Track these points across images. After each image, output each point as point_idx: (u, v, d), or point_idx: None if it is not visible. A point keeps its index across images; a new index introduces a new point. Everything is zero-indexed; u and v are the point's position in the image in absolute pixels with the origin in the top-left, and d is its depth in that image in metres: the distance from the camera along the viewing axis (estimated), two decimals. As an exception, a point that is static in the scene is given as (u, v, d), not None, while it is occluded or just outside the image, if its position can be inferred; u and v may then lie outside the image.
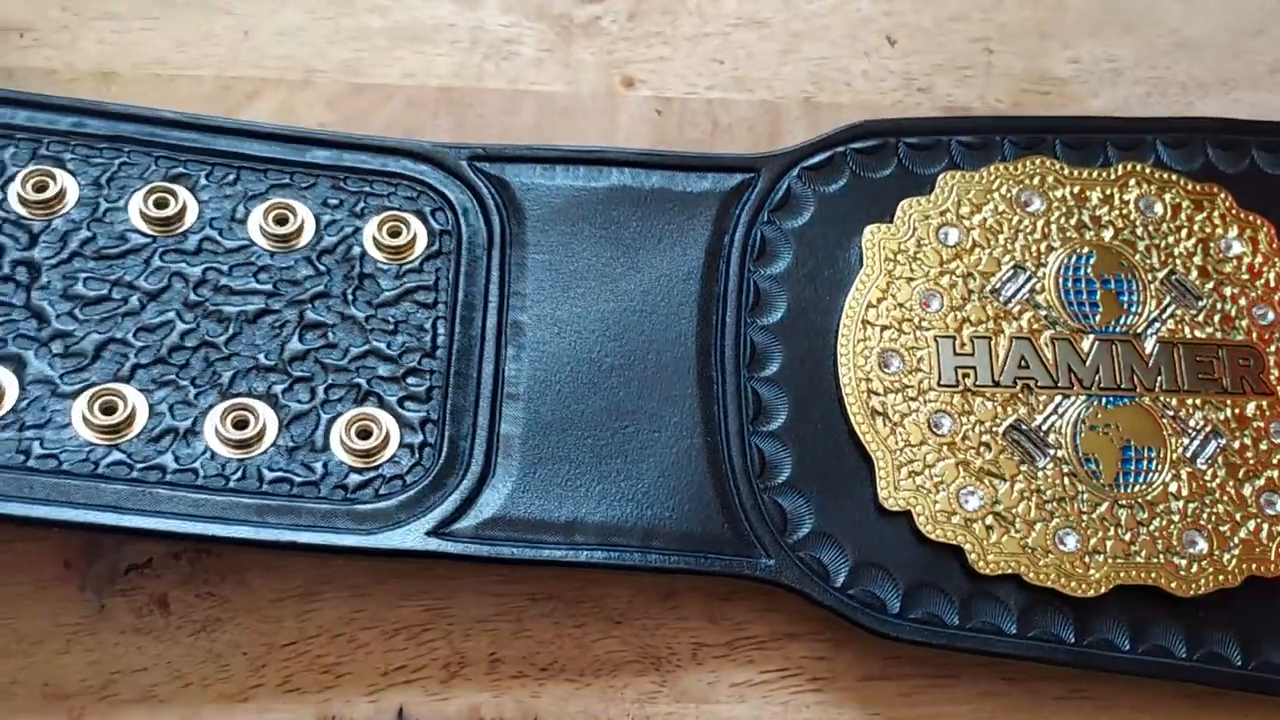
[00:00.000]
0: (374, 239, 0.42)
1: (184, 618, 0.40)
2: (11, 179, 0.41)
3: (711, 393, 0.41)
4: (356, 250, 0.42)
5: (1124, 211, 0.44)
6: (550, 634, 0.40)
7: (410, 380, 0.40)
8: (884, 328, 0.42)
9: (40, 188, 0.40)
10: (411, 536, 0.38)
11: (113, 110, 0.42)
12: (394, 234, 0.42)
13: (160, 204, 0.41)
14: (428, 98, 0.46)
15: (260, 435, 0.39)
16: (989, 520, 0.40)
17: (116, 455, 0.38)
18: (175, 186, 0.41)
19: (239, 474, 0.38)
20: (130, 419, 0.38)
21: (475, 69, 0.47)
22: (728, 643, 0.40)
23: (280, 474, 0.39)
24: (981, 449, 0.41)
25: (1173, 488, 0.41)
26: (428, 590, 0.41)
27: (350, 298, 0.41)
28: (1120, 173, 0.45)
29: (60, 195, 0.40)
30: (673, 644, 0.40)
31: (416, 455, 0.39)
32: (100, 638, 0.39)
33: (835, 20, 0.49)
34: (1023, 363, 0.42)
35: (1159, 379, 0.42)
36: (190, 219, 0.41)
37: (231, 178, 0.42)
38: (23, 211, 0.40)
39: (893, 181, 0.44)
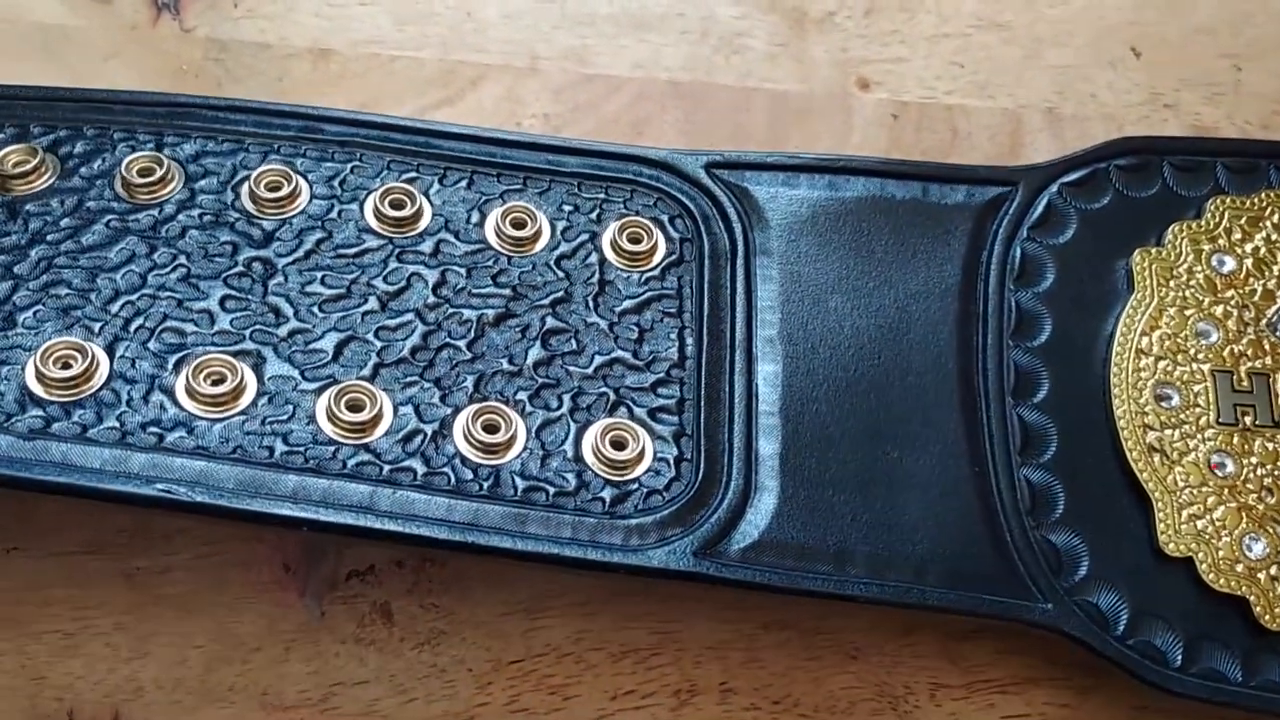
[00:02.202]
0: (613, 244, 0.41)
1: (407, 629, 0.39)
2: (244, 179, 0.40)
3: (975, 419, 0.40)
4: (595, 256, 0.41)
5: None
6: (784, 665, 0.40)
7: (661, 391, 0.40)
8: (1158, 358, 0.41)
9: (273, 187, 0.40)
10: (677, 556, 0.37)
11: (343, 116, 0.42)
12: (634, 240, 0.41)
13: (396, 205, 0.40)
14: (656, 91, 0.46)
15: (511, 441, 0.38)
16: (1274, 570, 0.39)
17: (364, 455, 0.38)
18: (410, 188, 0.41)
19: (491, 480, 0.38)
20: (377, 418, 0.38)
21: (705, 62, 0.46)
22: (967, 684, 0.40)
23: (533, 482, 0.38)
24: (1264, 493, 0.40)
25: None
26: (655, 612, 0.40)
27: (592, 304, 0.40)
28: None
29: (293, 195, 0.40)
30: (910, 683, 0.40)
31: (674, 470, 0.39)
32: (320, 647, 0.39)
33: (1079, 27, 0.48)
34: (1305, 404, 0.41)
35: None
36: (425, 221, 0.41)
37: (465, 181, 0.41)
38: (255, 210, 0.40)
39: (1157, 202, 0.44)
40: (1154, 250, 0.43)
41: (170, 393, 0.37)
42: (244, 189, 0.40)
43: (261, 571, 0.39)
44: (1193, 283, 0.42)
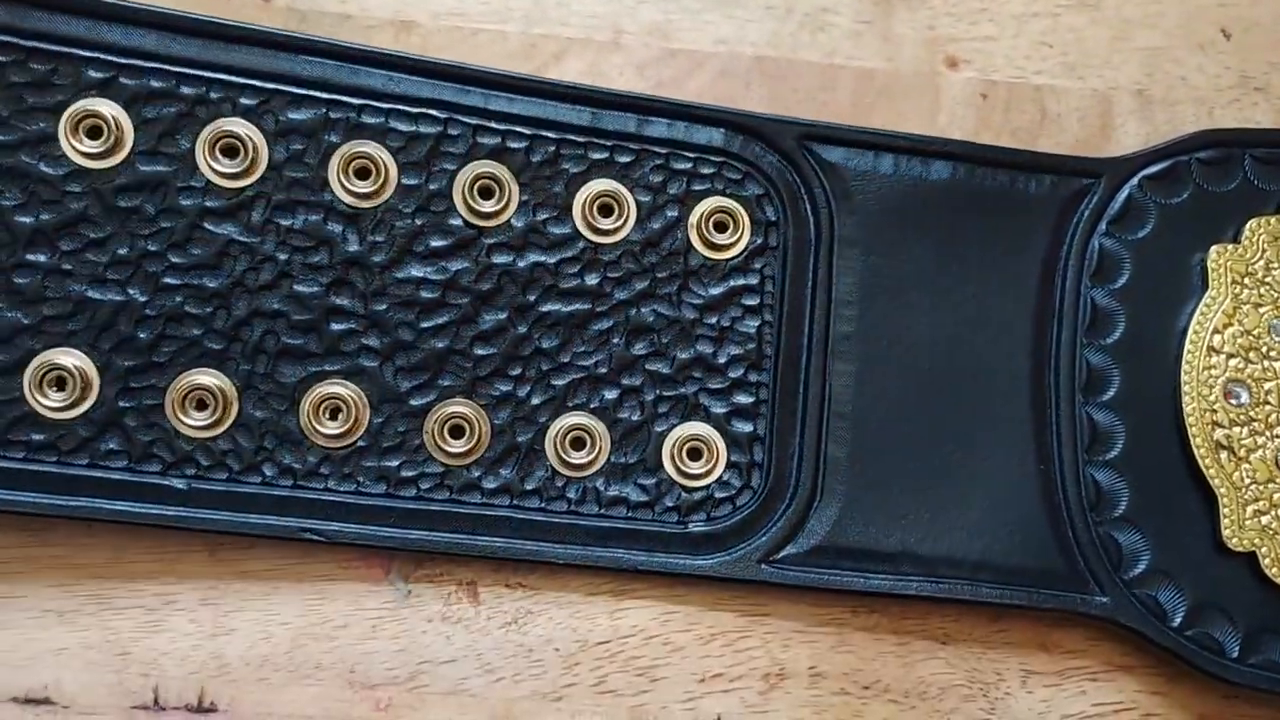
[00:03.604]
0: (699, 233, 0.42)
1: (494, 608, 0.41)
2: (332, 161, 0.41)
3: (1045, 417, 0.42)
4: (681, 242, 0.42)
5: None
6: (873, 651, 0.41)
7: (737, 394, 0.41)
8: (1230, 355, 0.42)
9: (362, 173, 0.41)
10: (744, 564, 0.41)
11: (427, 65, 0.42)
12: (720, 228, 0.42)
13: (485, 192, 0.41)
14: (741, 67, 0.46)
15: (596, 453, 0.40)
16: (1332, 568, 0.40)
17: (467, 477, 0.40)
18: (498, 168, 0.41)
19: (578, 494, 0.41)
20: (478, 440, 0.40)
21: (790, 38, 0.46)
22: (1059, 671, 0.41)
23: (616, 494, 0.40)
24: (1327, 493, 0.41)
25: None
26: (742, 595, 0.42)
27: (675, 299, 0.41)
28: None
29: (383, 183, 0.41)
30: (1001, 669, 0.41)
31: (745, 476, 0.41)
32: (407, 625, 0.40)
33: (1168, 8, 0.48)
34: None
35: None
36: (513, 208, 0.41)
37: (550, 151, 0.42)
38: (348, 203, 0.41)
39: (1237, 196, 0.44)
40: (1230, 247, 0.43)
41: (296, 438, 0.40)
42: (332, 173, 0.41)
43: (348, 550, 0.40)
44: (1269, 279, 0.43)
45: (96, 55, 0.39)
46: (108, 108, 0.39)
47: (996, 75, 0.47)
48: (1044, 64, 0.48)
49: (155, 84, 0.40)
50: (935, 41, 0.47)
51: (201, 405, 0.39)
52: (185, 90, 0.40)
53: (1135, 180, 0.44)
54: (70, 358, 0.39)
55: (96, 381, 0.39)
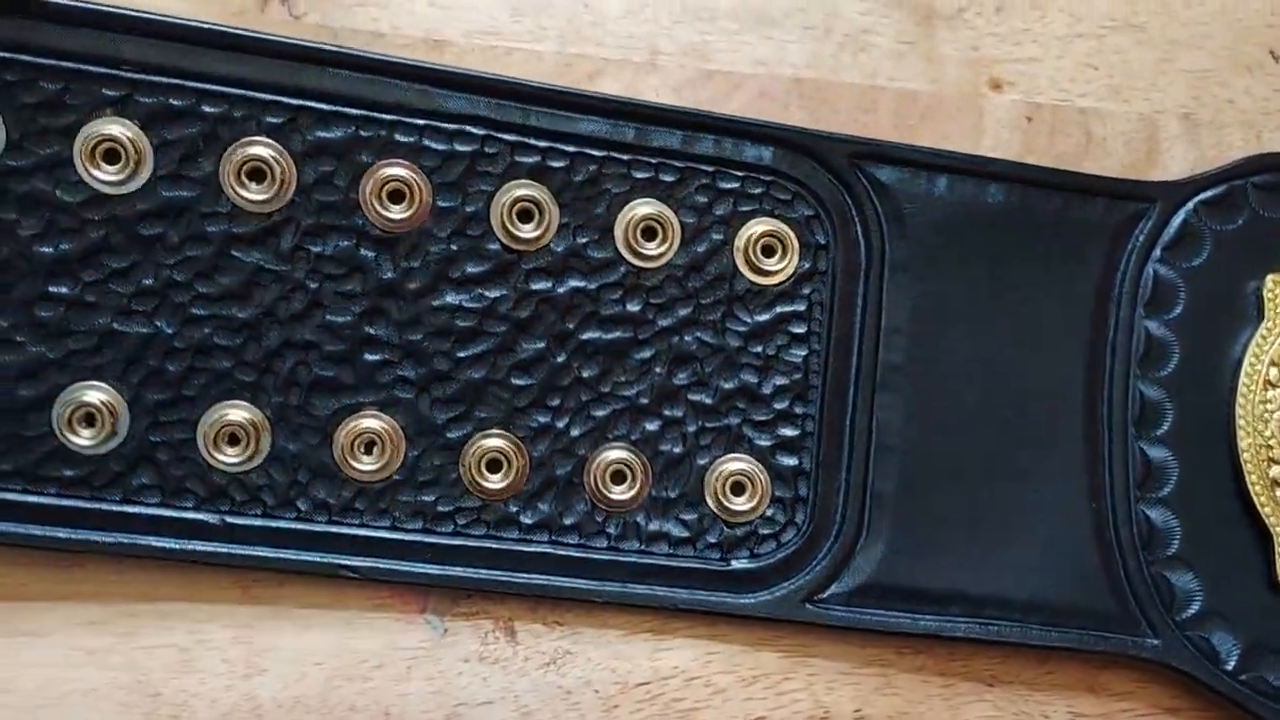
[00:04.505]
0: (746, 257, 0.41)
1: (532, 648, 0.40)
2: (364, 184, 0.39)
3: (1097, 451, 0.41)
4: (726, 266, 0.41)
5: None
6: (919, 693, 0.40)
7: (782, 426, 0.40)
8: (1285, 390, 0.41)
9: (396, 196, 0.39)
10: (788, 604, 0.40)
11: (461, 79, 0.40)
12: (768, 252, 0.41)
13: (524, 215, 0.40)
14: (780, 89, 0.45)
15: (636, 487, 0.39)
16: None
17: (504, 512, 0.39)
18: (537, 190, 0.40)
19: (618, 529, 0.40)
20: (516, 473, 0.39)
21: (830, 60, 0.46)
22: (1106, 714, 0.41)
23: (657, 530, 0.39)
24: (1383, 531, 0.41)
25: None
26: (785, 635, 0.41)
27: (721, 326, 0.40)
28: None
29: (418, 207, 0.39)
30: (1048, 711, 0.41)
31: (789, 512, 0.40)
32: (443, 665, 0.40)
33: (1215, 29, 0.48)
34: None
35: None
36: (553, 230, 0.40)
37: (592, 170, 0.41)
38: (381, 228, 0.39)
39: (1294, 223, 0.43)
40: (1287, 276, 0.43)
41: (330, 472, 0.39)
42: (364, 196, 0.39)
43: (381, 587, 0.39)
44: (1325, 312, 0.43)
45: (110, 72, 0.38)
46: (124, 129, 0.38)
47: (1041, 98, 0.47)
48: (1089, 86, 0.47)
49: (175, 102, 0.38)
50: (978, 63, 0.47)
51: (234, 440, 0.38)
52: (207, 108, 0.39)
53: (1190, 205, 0.43)
54: (98, 393, 0.38)
55: (126, 416, 0.38)
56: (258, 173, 0.39)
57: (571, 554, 0.40)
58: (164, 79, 0.38)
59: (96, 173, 0.38)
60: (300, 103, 0.39)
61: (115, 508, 0.38)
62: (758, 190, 0.41)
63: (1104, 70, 0.47)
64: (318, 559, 0.39)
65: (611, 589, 0.39)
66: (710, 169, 0.41)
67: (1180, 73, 0.47)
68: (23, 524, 0.38)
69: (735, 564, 0.40)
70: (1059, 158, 0.46)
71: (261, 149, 0.38)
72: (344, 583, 0.40)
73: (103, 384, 0.38)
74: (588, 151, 0.41)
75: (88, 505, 0.38)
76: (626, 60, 0.45)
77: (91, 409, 0.38)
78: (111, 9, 0.38)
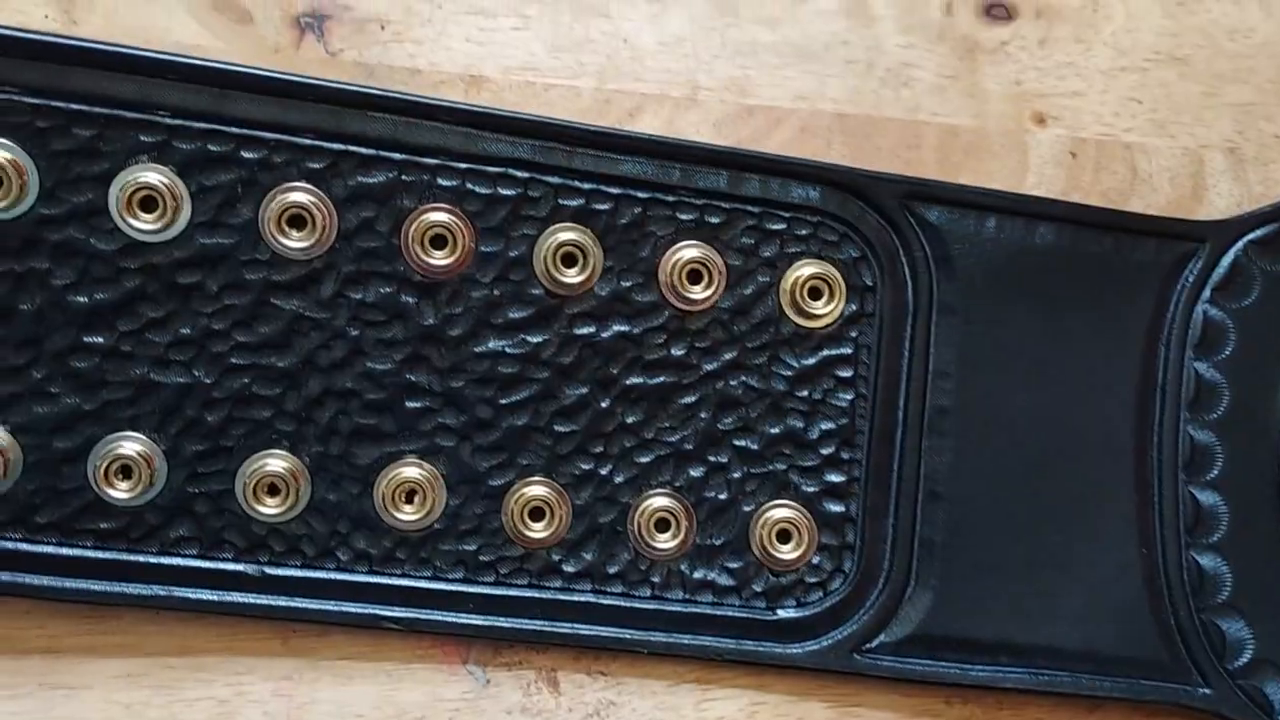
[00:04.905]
0: (792, 299, 0.40)
1: (575, 699, 0.40)
2: (404, 231, 0.39)
3: (1147, 497, 0.41)
4: (772, 309, 0.41)
5: None
6: (967, 745, 0.40)
7: (829, 473, 0.40)
8: (1336, 434, 0.41)
9: (439, 241, 0.39)
10: (836, 653, 0.40)
11: (505, 121, 0.40)
12: (815, 295, 0.41)
13: (568, 260, 0.40)
14: (821, 124, 0.45)
15: (681, 535, 0.39)
16: None
17: (547, 561, 0.39)
18: (581, 234, 0.40)
19: (662, 578, 0.40)
20: (558, 522, 0.38)
21: (872, 94, 0.45)
22: (1155, 766, 0.40)
23: (702, 578, 0.39)
24: None
25: None
26: (833, 685, 0.41)
27: (767, 371, 0.40)
28: None
29: (461, 254, 0.39)
30: (1098, 761, 0.40)
31: (836, 560, 0.40)
32: (485, 717, 0.40)
33: (1261, 62, 0.47)
34: None
35: None
36: (597, 274, 0.40)
37: (637, 213, 0.40)
38: (421, 273, 0.39)
39: (1345, 262, 0.43)
40: (1338, 317, 0.42)
41: (371, 521, 0.39)
42: (405, 242, 0.39)
43: (422, 638, 0.39)
44: (1376, 353, 0.42)
45: (147, 117, 0.37)
46: (160, 176, 0.37)
47: (1085, 133, 0.46)
48: (1133, 121, 0.47)
49: (214, 148, 0.38)
50: (1022, 97, 0.46)
51: (273, 490, 0.38)
52: (246, 154, 0.38)
53: (1240, 245, 0.43)
54: (135, 444, 0.37)
55: (164, 467, 0.38)
56: (298, 219, 0.38)
57: (616, 603, 0.39)
58: (202, 124, 0.37)
59: (133, 221, 0.37)
60: (342, 147, 0.38)
61: (153, 559, 0.38)
62: (805, 231, 0.41)
63: (1148, 104, 0.47)
64: (359, 610, 0.38)
65: (657, 639, 0.39)
66: (757, 210, 0.41)
67: (1225, 106, 0.47)
68: (58, 577, 0.37)
69: (782, 613, 0.40)
70: (1104, 194, 0.46)
71: (302, 195, 0.38)
72: (385, 633, 0.39)
73: (139, 435, 0.38)
74: (632, 193, 0.40)
75: (125, 557, 0.38)
76: (665, 95, 0.45)
77: (128, 460, 0.37)
78: (147, 53, 0.37)
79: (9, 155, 0.36)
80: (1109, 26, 0.47)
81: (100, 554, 0.38)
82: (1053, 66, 0.47)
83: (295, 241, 0.38)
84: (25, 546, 0.37)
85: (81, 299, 0.37)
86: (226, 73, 0.37)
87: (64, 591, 0.37)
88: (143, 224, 0.37)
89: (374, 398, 0.39)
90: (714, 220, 0.41)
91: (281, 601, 0.38)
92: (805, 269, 0.41)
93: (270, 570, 0.38)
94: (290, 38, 0.43)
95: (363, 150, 0.38)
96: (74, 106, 0.37)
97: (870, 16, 0.46)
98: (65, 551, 0.38)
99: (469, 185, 0.39)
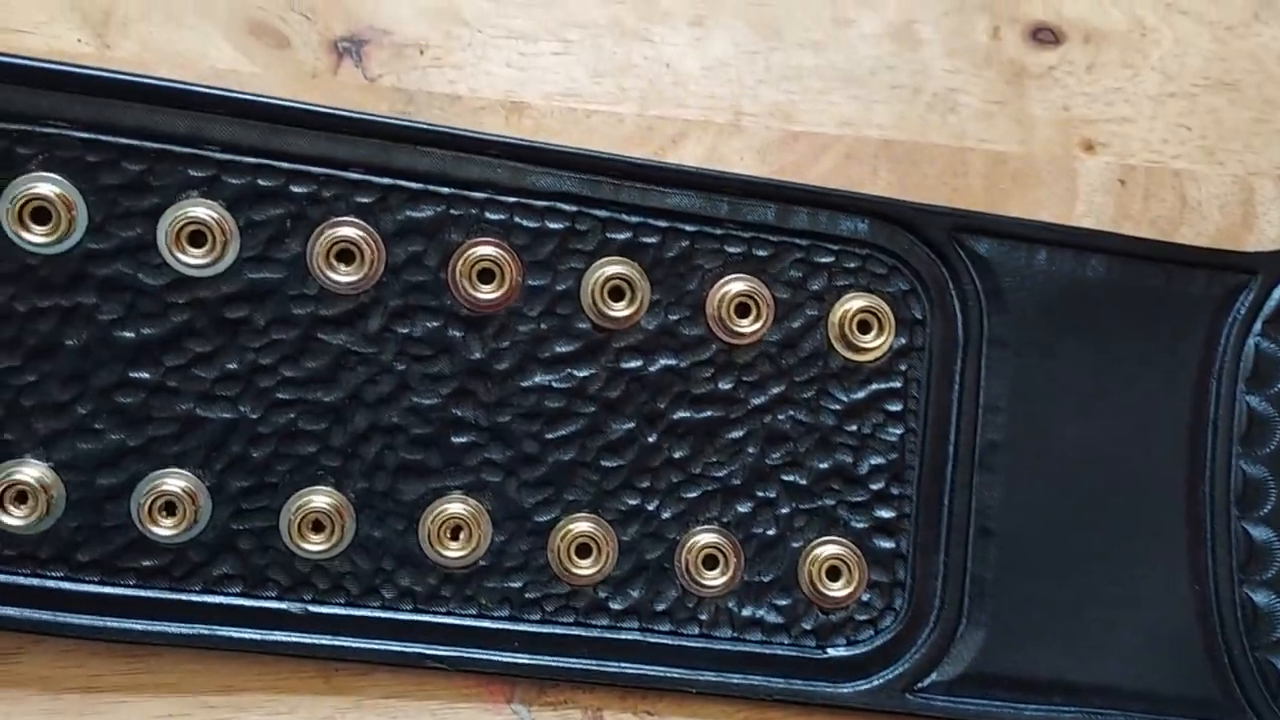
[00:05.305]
0: (841, 333, 0.40)
1: (621, 738, 0.39)
2: (452, 265, 0.39)
3: (1199, 533, 0.41)
4: (821, 343, 0.40)
5: None
6: (1017, 784, 0.40)
7: (879, 508, 0.40)
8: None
9: (486, 275, 0.39)
10: (887, 693, 0.40)
11: (552, 155, 0.40)
12: (864, 328, 0.41)
13: (616, 294, 0.40)
14: (867, 151, 0.45)
15: (729, 571, 0.39)
16: None
17: (593, 598, 0.38)
18: (629, 267, 0.40)
19: (710, 616, 0.40)
20: (605, 558, 0.38)
21: (918, 120, 0.45)
22: (1208, 806, 0.40)
23: (750, 616, 0.39)
24: None
25: None
26: (880, 723, 0.40)
27: (815, 405, 0.40)
28: None
29: (509, 288, 0.39)
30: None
31: (887, 597, 0.40)
32: (531, 755, 0.39)
33: (1311, 84, 0.47)
34: None
35: None
36: (644, 307, 0.40)
37: (685, 246, 0.40)
38: (468, 307, 0.39)
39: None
40: (1392, 351, 0.42)
41: (416, 558, 0.39)
42: (453, 276, 0.39)
43: (467, 675, 0.39)
44: None
45: (196, 152, 0.37)
46: (210, 211, 0.37)
47: (1134, 160, 0.46)
48: (1182, 148, 0.46)
49: (263, 182, 0.38)
50: (1070, 123, 0.46)
51: (318, 526, 0.38)
52: (296, 189, 0.38)
53: (1289, 276, 0.43)
54: (179, 481, 0.37)
55: (208, 505, 0.37)
56: (346, 254, 0.38)
57: (663, 641, 0.39)
58: (253, 159, 0.37)
59: (181, 255, 0.37)
60: (390, 182, 0.38)
61: (195, 598, 0.38)
62: (853, 264, 0.41)
63: (1197, 131, 0.47)
64: (403, 649, 0.38)
65: (707, 679, 0.39)
66: (805, 243, 0.41)
67: (1276, 133, 0.47)
68: (99, 616, 0.37)
69: (832, 651, 0.40)
70: (1154, 222, 0.45)
71: (351, 229, 0.38)
72: (429, 671, 0.39)
73: (184, 471, 0.37)
74: (680, 226, 0.40)
75: (167, 596, 0.38)
76: (709, 121, 0.45)
77: (173, 497, 0.37)
78: (199, 87, 0.37)
79: (59, 190, 0.36)
80: (1156, 51, 0.47)
81: (142, 593, 0.38)
82: (1101, 92, 0.46)
83: (343, 276, 0.38)
84: (66, 585, 0.37)
85: (128, 334, 0.37)
86: (278, 108, 0.37)
87: (105, 631, 0.37)
88: (191, 259, 0.37)
89: (420, 433, 0.38)
90: (762, 253, 0.41)
91: (325, 640, 0.38)
92: (854, 302, 0.41)
93: (314, 608, 0.38)
94: (328, 63, 0.43)
95: (411, 185, 0.38)
96: (124, 141, 0.37)
97: (916, 40, 0.46)
98: (107, 590, 0.37)
99: (517, 219, 0.39)
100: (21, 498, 0.37)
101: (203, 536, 0.38)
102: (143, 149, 0.37)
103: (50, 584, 0.37)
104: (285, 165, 0.37)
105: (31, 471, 0.37)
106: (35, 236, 0.36)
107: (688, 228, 0.40)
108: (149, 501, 0.37)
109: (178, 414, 0.37)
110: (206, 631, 0.38)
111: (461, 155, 0.39)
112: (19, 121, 0.36)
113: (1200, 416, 0.42)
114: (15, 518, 0.37)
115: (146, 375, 0.37)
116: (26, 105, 0.36)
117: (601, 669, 0.39)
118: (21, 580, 0.37)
